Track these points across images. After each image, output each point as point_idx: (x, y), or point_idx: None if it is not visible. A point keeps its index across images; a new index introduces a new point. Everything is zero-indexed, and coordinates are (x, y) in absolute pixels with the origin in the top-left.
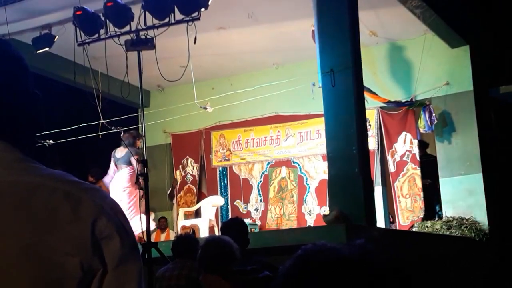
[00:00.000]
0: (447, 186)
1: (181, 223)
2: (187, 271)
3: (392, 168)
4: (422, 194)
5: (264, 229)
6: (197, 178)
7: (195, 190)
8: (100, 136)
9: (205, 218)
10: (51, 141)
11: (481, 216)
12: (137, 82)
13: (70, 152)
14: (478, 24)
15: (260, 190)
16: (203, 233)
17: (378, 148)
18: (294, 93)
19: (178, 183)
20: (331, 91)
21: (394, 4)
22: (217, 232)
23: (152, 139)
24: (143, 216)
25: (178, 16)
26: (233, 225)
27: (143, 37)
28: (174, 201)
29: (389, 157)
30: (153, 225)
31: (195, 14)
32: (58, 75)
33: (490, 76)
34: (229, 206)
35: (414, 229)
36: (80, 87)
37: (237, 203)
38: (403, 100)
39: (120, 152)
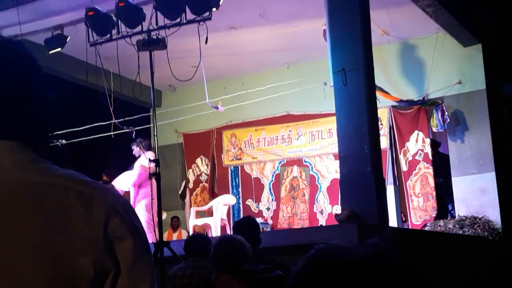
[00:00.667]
0: (459, 185)
1: (193, 222)
2: (199, 270)
3: (404, 167)
4: (434, 193)
5: (276, 228)
6: (209, 178)
7: (208, 189)
8: (113, 136)
9: (217, 217)
10: (63, 140)
11: (494, 215)
12: (149, 82)
13: (82, 152)
14: (490, 22)
15: (271, 189)
16: (215, 232)
17: (390, 147)
18: (306, 92)
19: (192, 182)
20: (343, 90)
21: (405, 2)
22: (229, 231)
23: (164, 139)
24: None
25: (190, 16)
26: (245, 224)
27: (154, 37)
28: (186, 200)
29: (401, 156)
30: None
31: (207, 14)
32: (70, 75)
33: (502, 74)
34: (241, 205)
35: (426, 228)
36: (92, 87)
37: (249, 202)
38: (415, 99)
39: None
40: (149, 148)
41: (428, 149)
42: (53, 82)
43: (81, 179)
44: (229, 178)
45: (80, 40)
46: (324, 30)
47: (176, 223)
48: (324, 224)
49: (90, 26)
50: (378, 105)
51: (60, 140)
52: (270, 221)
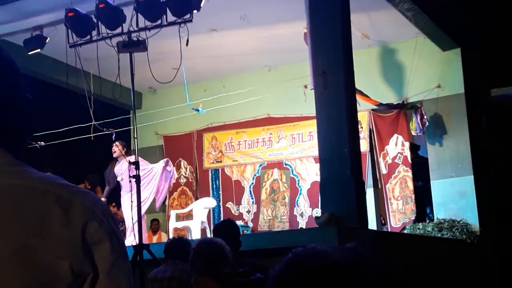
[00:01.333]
0: (438, 188)
1: (173, 225)
2: (179, 273)
3: (383, 170)
4: (413, 196)
5: (256, 231)
6: (190, 180)
7: (189, 192)
8: (92, 138)
9: (197, 220)
10: (42, 142)
11: (472, 218)
12: (129, 84)
13: (61, 154)
14: (470, 27)
15: (252, 192)
16: (195, 235)
17: (370, 150)
18: (286, 95)
19: (172, 185)
20: (323, 94)
21: (386, 7)
22: (209, 234)
23: (144, 141)
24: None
25: (170, 18)
26: (225, 227)
27: (135, 39)
28: (167, 203)
29: (380, 159)
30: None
31: (188, 16)
32: (49, 77)
33: (481, 78)
34: (221, 208)
35: (405, 231)
36: (72, 88)
37: (229, 205)
38: (395, 103)
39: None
40: (129, 153)
41: (408, 153)
42: (33, 83)
43: (60, 183)
44: (210, 180)
45: (60, 41)
46: (305, 34)
47: (156, 226)
48: (304, 227)
49: (70, 27)
50: (358, 108)
51: (39, 142)
52: (250, 224)
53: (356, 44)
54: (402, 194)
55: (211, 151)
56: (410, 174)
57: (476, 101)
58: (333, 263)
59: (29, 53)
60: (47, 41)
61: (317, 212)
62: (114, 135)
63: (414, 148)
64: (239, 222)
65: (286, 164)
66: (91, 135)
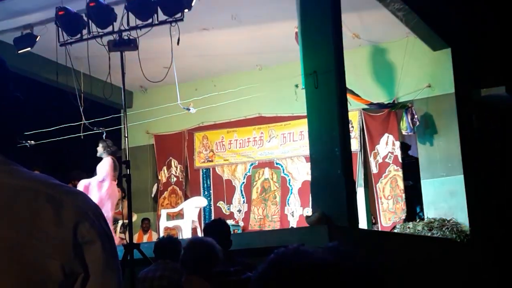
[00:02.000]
0: (428, 187)
1: (164, 224)
2: (169, 272)
3: (374, 170)
4: (404, 195)
5: (247, 230)
6: (180, 179)
7: (179, 192)
8: (82, 137)
9: (187, 219)
10: (32, 141)
11: (462, 218)
12: (120, 82)
13: (51, 153)
14: (460, 27)
15: (243, 191)
16: (186, 234)
17: (360, 150)
18: (277, 94)
19: (162, 184)
20: (314, 93)
21: (377, 6)
22: (199, 233)
23: (135, 140)
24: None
25: (162, 17)
26: (215, 226)
27: (126, 37)
28: (158, 202)
29: (371, 159)
30: None
31: (179, 15)
32: (40, 75)
33: (471, 78)
34: (212, 207)
35: (396, 230)
36: (62, 87)
37: (220, 204)
38: (386, 102)
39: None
40: (114, 153)
41: (398, 152)
42: (23, 82)
43: (52, 183)
44: (201, 180)
45: (50, 40)
46: (296, 33)
47: (147, 225)
48: (295, 226)
49: (60, 26)
50: (349, 107)
51: (29, 141)
52: (241, 223)
53: (347, 44)
54: (393, 194)
55: (202, 150)
56: (400, 173)
57: (466, 100)
58: (315, 262)
59: (19, 52)
60: (37, 39)
61: (308, 211)
62: (104, 134)
63: (404, 147)
64: (230, 222)
65: (277, 164)
66: (81, 134)
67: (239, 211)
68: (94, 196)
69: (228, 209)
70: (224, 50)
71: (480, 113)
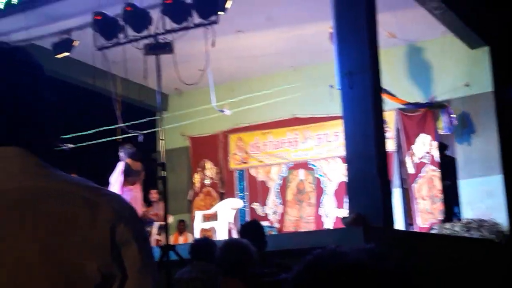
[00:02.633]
0: (466, 187)
1: (199, 225)
2: (204, 274)
3: (410, 170)
4: (441, 195)
5: (282, 232)
6: (215, 181)
7: (214, 193)
8: (120, 140)
9: (223, 220)
10: (70, 145)
11: (500, 218)
12: (156, 85)
13: (89, 156)
14: (498, 24)
15: (278, 193)
16: (221, 235)
17: (396, 150)
18: (312, 95)
19: (198, 186)
20: (349, 93)
21: (412, 5)
22: (235, 235)
23: (170, 143)
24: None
25: (196, 20)
26: (251, 227)
27: (161, 41)
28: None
29: (407, 159)
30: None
31: (213, 17)
32: (77, 80)
33: (510, 77)
34: (247, 209)
35: (433, 231)
36: (100, 91)
37: (255, 205)
38: (422, 102)
39: (134, 166)
40: (132, 155)
41: (435, 152)
42: (60, 86)
43: (88, 185)
44: (235, 181)
45: (88, 45)
46: (331, 33)
47: (182, 227)
48: (330, 227)
49: (97, 31)
50: (385, 107)
51: (67, 145)
52: (276, 225)
53: (383, 43)
54: (430, 194)
55: (236, 152)
56: (437, 173)
57: (505, 99)
58: (351, 264)
59: (57, 57)
60: (75, 44)
61: (344, 212)
62: (142, 137)
63: (441, 147)
64: (265, 223)
65: (312, 165)
66: (119, 137)
67: (274, 212)
68: None
69: (263, 210)
70: (259, 51)
71: None
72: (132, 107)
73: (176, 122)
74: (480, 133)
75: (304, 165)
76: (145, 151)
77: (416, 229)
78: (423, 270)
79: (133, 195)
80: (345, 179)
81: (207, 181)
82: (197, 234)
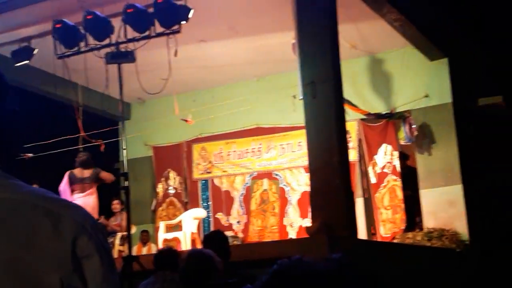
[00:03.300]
0: (427, 197)
1: (163, 236)
2: (168, 284)
3: (373, 180)
4: (403, 205)
5: (246, 242)
6: (179, 191)
7: (177, 203)
8: (81, 149)
9: (186, 231)
10: (30, 154)
11: (461, 227)
12: (118, 94)
13: (49, 166)
14: (457, 37)
15: (242, 203)
16: (185, 246)
17: (359, 160)
18: (275, 105)
19: (161, 196)
20: (312, 103)
21: (373, 17)
22: (198, 245)
23: (133, 152)
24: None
25: (159, 29)
26: (214, 238)
27: (123, 50)
28: (156, 214)
29: (370, 169)
30: None
31: (176, 27)
32: (37, 88)
33: (468, 88)
34: (211, 219)
35: (395, 241)
36: (60, 100)
37: (219, 215)
38: (383, 112)
39: (80, 173)
40: (80, 164)
41: (397, 162)
42: (20, 95)
43: (49, 197)
44: (199, 191)
45: (48, 53)
46: (293, 44)
47: (146, 237)
48: (294, 237)
49: (57, 39)
50: (347, 118)
51: (27, 154)
52: (240, 234)
53: (344, 54)
54: (392, 204)
55: (200, 161)
56: (399, 183)
57: (464, 110)
58: (319, 273)
59: (17, 65)
60: (35, 52)
61: (308, 222)
62: (103, 146)
63: (403, 157)
64: (229, 233)
65: (275, 174)
66: (80, 146)
67: (238, 222)
68: None
69: (227, 220)
70: (222, 61)
71: (478, 122)
72: (94, 116)
73: (139, 131)
74: (440, 143)
75: (268, 175)
76: (107, 160)
77: (378, 239)
78: (386, 279)
79: (84, 202)
80: (309, 188)
81: (171, 191)
82: (161, 245)
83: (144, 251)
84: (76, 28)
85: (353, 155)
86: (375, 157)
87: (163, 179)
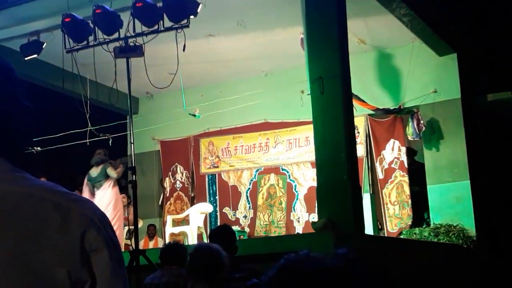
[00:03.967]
0: (435, 193)
1: (170, 230)
2: (175, 278)
3: (380, 175)
4: (410, 201)
5: (252, 236)
6: (186, 185)
7: (184, 197)
8: (88, 143)
9: (193, 225)
10: (38, 148)
11: (468, 223)
12: (126, 89)
13: (57, 160)
14: (466, 32)
15: (248, 197)
16: (192, 240)
17: (366, 155)
18: (283, 100)
19: (168, 190)
20: (320, 99)
21: (382, 12)
22: (205, 239)
23: (141, 146)
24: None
25: (167, 23)
26: (221, 232)
27: (132, 44)
28: (164, 208)
29: (377, 164)
30: None
31: (184, 21)
32: (46, 82)
33: (477, 83)
34: (218, 213)
35: (402, 236)
36: (69, 94)
37: (226, 210)
38: (391, 108)
39: (95, 172)
40: (95, 162)
41: (404, 157)
42: (29, 88)
43: (58, 190)
44: (206, 186)
45: (57, 47)
46: (302, 39)
47: (153, 231)
48: (301, 232)
49: (66, 33)
50: (355, 113)
51: (35, 148)
52: (247, 229)
53: (353, 49)
54: (399, 199)
55: (207, 156)
56: (406, 179)
57: (472, 106)
58: (325, 268)
59: (25, 59)
60: (44, 46)
61: (314, 217)
62: (110, 140)
63: (410, 153)
64: (235, 227)
65: (282, 169)
66: (87, 140)
67: (245, 217)
68: None
69: (234, 215)
70: (230, 56)
71: (486, 118)
72: (101, 110)
73: (146, 126)
74: (448, 139)
75: (275, 170)
76: (115, 155)
77: (385, 234)
78: (392, 275)
79: (101, 197)
80: (315, 184)
81: (178, 185)
82: (168, 239)
83: (151, 245)
84: (85, 22)
85: (360, 151)
86: (383, 152)
87: (170, 173)
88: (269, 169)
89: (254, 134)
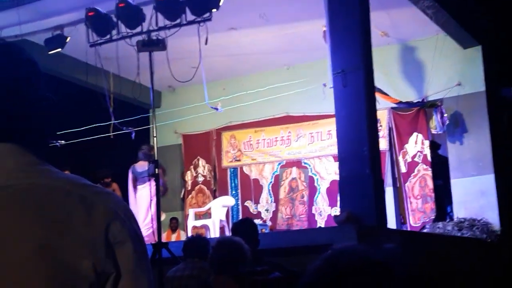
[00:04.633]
0: (458, 187)
1: (192, 223)
2: (197, 271)
3: (403, 169)
4: (433, 195)
5: (274, 230)
6: (208, 179)
7: (206, 191)
8: (112, 137)
9: (215, 218)
10: (62, 141)
11: (493, 218)
12: (149, 82)
13: (81, 153)
14: (491, 24)
15: (270, 191)
16: (214, 233)
17: (389, 149)
18: (305, 93)
19: (190, 183)
20: (342, 92)
21: (406, 4)
22: (227, 233)
23: (163, 140)
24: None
25: (190, 17)
26: (243, 225)
27: (154, 38)
28: (186, 201)
29: (400, 158)
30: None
31: (207, 14)
32: (70, 76)
33: (502, 76)
34: (240, 207)
35: (425, 230)
36: (92, 87)
37: (248, 203)
38: (415, 101)
39: (140, 167)
40: (140, 157)
41: (427, 151)
42: (53, 82)
43: (83, 183)
44: (228, 179)
45: (80, 41)
46: (324, 32)
47: (175, 224)
48: (323, 226)
49: (90, 27)
50: (378, 106)
51: (59, 141)
52: (269, 223)
53: (376, 42)
54: (422, 193)
55: (229, 149)
56: (429, 172)
57: (497, 99)
58: (372, 261)
59: (49, 53)
60: (67, 40)
61: (336, 211)
62: (134, 134)
63: (434, 146)
64: (257, 221)
65: (304, 163)
66: (111, 134)
67: (267, 210)
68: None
69: (256, 208)
70: (252, 49)
71: (511, 111)
72: (124, 104)
73: (169, 119)
74: (472, 132)
75: (296, 163)
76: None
77: (408, 228)
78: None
79: (141, 194)
80: (337, 177)
81: (200, 179)
82: (190, 232)
83: (173, 238)
84: (108, 16)
85: (383, 144)
86: (406, 146)
87: (192, 167)
88: (291, 162)
89: (276, 127)
